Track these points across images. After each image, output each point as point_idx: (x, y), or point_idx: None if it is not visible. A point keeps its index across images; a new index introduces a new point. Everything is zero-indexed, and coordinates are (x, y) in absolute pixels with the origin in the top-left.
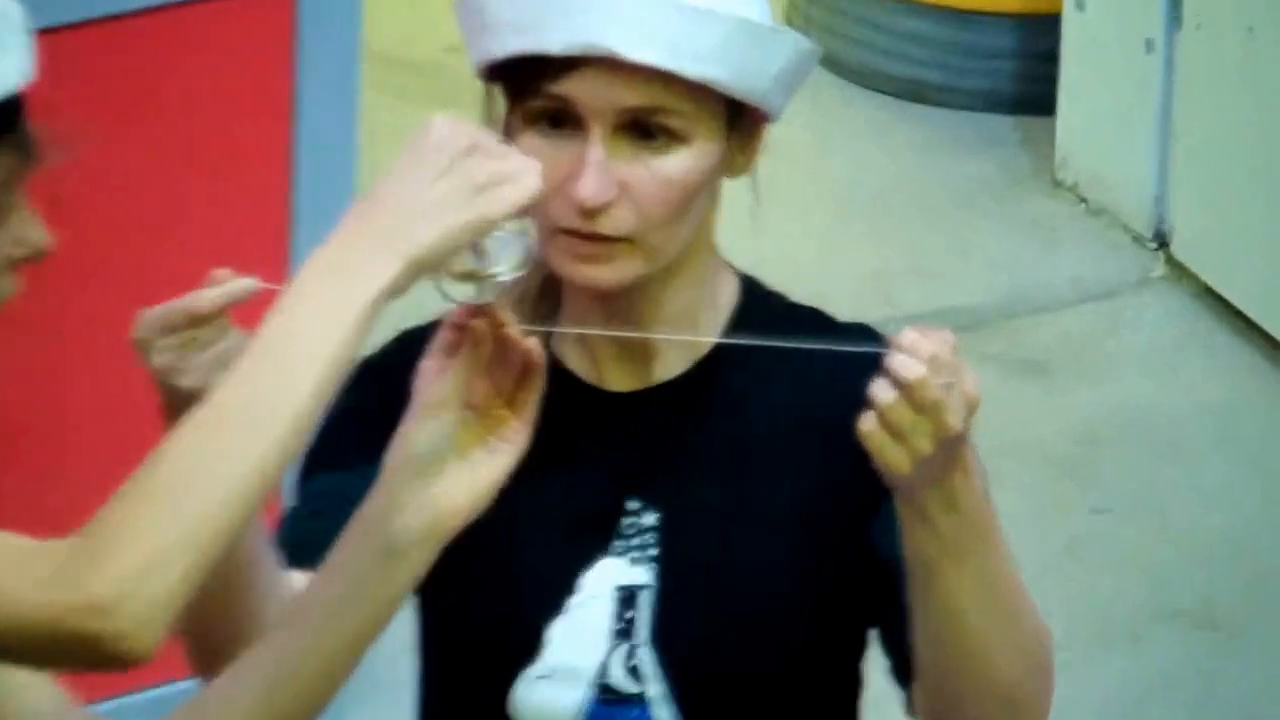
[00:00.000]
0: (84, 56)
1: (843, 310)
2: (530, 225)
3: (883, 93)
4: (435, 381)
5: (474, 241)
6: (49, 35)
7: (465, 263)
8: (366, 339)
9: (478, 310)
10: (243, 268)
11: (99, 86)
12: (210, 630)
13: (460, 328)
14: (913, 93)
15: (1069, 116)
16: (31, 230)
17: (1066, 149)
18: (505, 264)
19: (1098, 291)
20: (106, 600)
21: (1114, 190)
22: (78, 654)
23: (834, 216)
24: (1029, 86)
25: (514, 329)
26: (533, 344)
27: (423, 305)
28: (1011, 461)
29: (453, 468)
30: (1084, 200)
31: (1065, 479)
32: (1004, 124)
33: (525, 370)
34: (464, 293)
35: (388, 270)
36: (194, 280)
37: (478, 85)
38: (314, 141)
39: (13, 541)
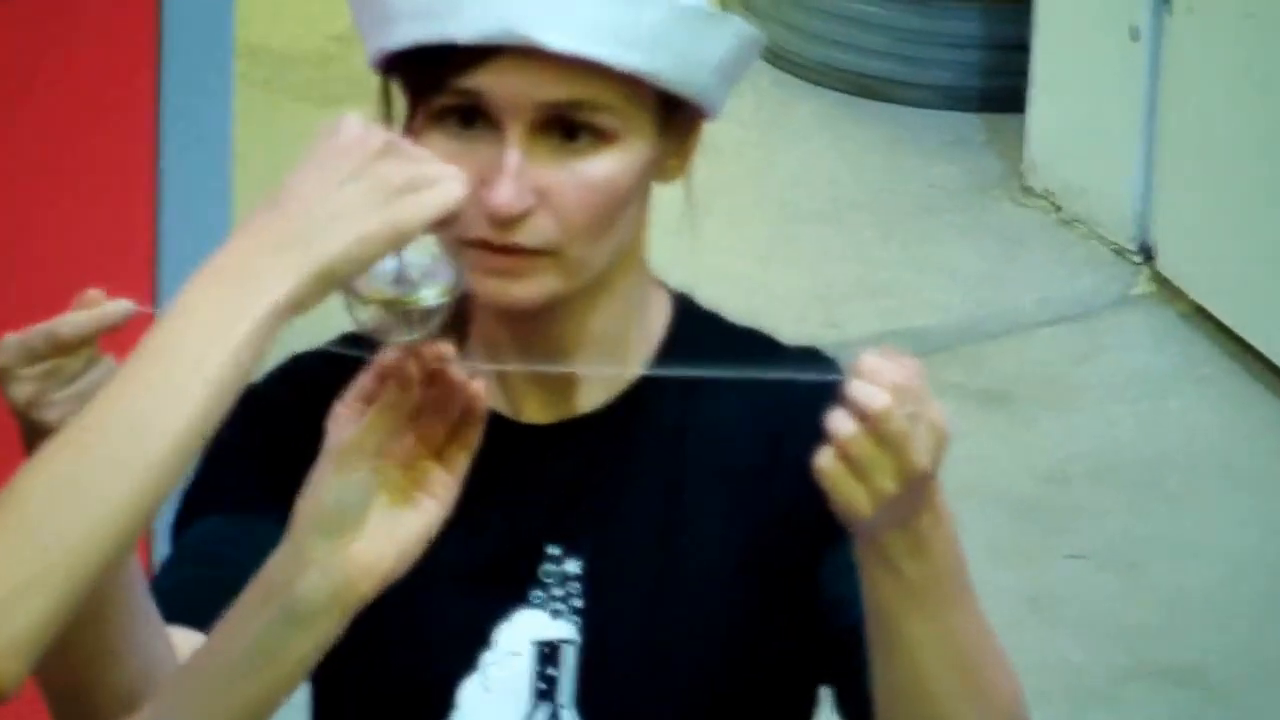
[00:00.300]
0: None
1: (784, 332)
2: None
3: (831, 88)
4: (348, 428)
5: (396, 264)
6: None
7: (383, 288)
8: (263, 359)
9: (411, 350)
10: (103, 283)
11: None
12: (81, 690)
13: (385, 373)
14: (865, 88)
15: (1041, 114)
16: None
17: (1038, 151)
18: (429, 290)
19: (1071, 311)
20: None
21: (1091, 197)
22: None
23: (775, 227)
24: (996, 80)
25: (455, 370)
26: (477, 389)
27: (329, 321)
28: (972, 503)
29: (368, 526)
30: (1057, 208)
31: (1033, 523)
32: (967, 123)
33: (463, 416)
34: (379, 321)
35: (288, 280)
36: (48, 301)
37: (372, 79)
38: (181, 144)
39: None
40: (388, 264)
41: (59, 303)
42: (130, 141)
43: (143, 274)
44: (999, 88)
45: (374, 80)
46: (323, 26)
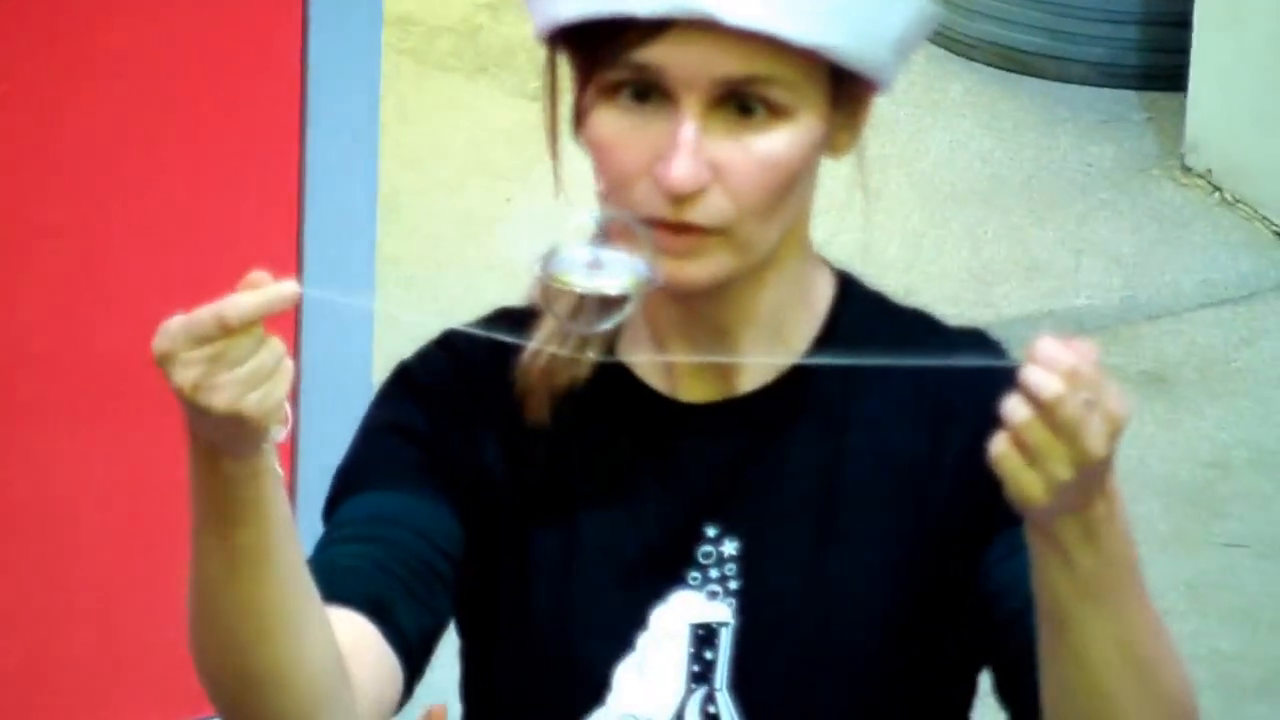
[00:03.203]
0: (73, 20)
1: (938, 312)
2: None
3: (984, 63)
4: None
5: (591, 252)
6: None
7: (575, 274)
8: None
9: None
10: (249, 257)
11: (74, 51)
12: (238, 659)
13: None
14: (1019, 63)
15: (1202, 92)
16: None
17: (1199, 130)
18: (618, 280)
19: (1232, 294)
20: None
21: (1253, 178)
22: None
23: (928, 206)
24: (1155, 57)
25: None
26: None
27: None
28: (1129, 487)
29: None
30: (1217, 189)
31: (1191, 509)
32: (1125, 100)
33: None
34: (567, 306)
35: None
36: (195, 268)
37: (519, 49)
38: (329, 112)
39: None
40: (582, 251)
41: (205, 271)
42: (277, 110)
43: (288, 240)
44: (1158, 65)
45: (521, 50)
46: None
